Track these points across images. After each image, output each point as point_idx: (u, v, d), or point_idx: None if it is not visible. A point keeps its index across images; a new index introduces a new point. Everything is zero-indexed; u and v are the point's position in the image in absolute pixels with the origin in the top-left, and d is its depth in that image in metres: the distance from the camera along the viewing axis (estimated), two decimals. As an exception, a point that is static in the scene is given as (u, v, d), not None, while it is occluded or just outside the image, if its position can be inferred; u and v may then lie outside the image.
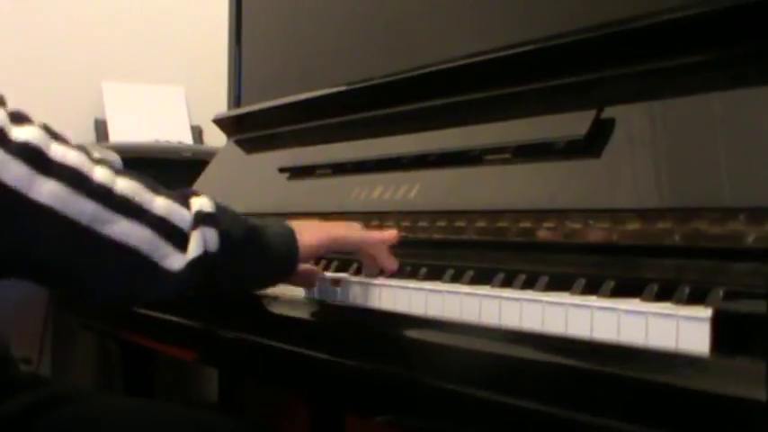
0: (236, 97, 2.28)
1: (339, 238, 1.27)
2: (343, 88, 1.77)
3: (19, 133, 1.00)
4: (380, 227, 1.42)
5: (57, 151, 1.02)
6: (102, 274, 1.07)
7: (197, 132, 2.99)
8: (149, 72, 3.03)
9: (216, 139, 2.58)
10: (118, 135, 2.86)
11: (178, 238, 1.09)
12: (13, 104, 1.05)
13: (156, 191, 1.09)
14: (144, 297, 1.22)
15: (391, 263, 1.29)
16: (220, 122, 2.28)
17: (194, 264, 1.09)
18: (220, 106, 2.34)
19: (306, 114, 1.92)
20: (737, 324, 0.76)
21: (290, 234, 1.21)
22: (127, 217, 1.05)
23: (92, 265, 1.05)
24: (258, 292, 1.31)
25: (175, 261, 1.08)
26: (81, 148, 1.06)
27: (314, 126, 1.90)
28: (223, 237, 1.12)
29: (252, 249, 1.17)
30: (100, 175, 1.04)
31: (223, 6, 2.31)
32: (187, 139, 2.93)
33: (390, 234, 1.31)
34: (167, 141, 2.82)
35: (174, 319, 1.55)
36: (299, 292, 1.33)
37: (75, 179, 1.02)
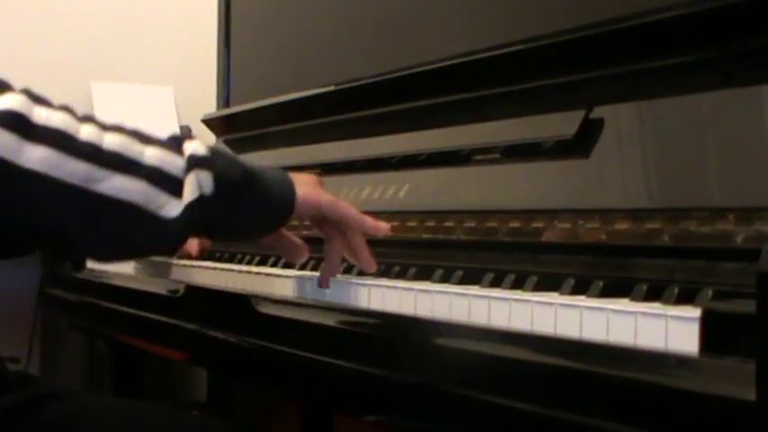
0: (224, 97, 2.28)
1: (337, 204, 1.24)
2: (331, 88, 1.77)
3: (0, 102, 1.00)
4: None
5: (40, 115, 1.02)
6: (102, 232, 1.07)
7: (186, 132, 2.99)
8: (138, 72, 3.02)
9: (205, 139, 2.57)
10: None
11: (173, 185, 1.08)
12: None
13: (146, 141, 1.09)
14: (147, 248, 1.20)
15: (368, 254, 1.27)
16: (209, 122, 2.28)
17: (191, 207, 1.08)
18: (209, 106, 2.34)
19: (294, 114, 1.92)
20: (726, 324, 0.76)
21: (289, 183, 1.20)
22: (119, 172, 1.04)
23: (90, 224, 1.05)
24: (246, 293, 1.31)
25: (173, 208, 1.07)
26: (65, 108, 1.05)
27: (302, 126, 1.90)
28: (218, 179, 1.10)
29: (248, 193, 1.15)
30: (87, 133, 1.04)
31: (212, 6, 2.31)
32: (176, 138, 2.93)
33: (385, 227, 1.28)
34: (156, 141, 2.81)
35: (163, 318, 1.55)
36: (288, 291, 1.33)
37: (62, 141, 1.02)
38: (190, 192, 1.08)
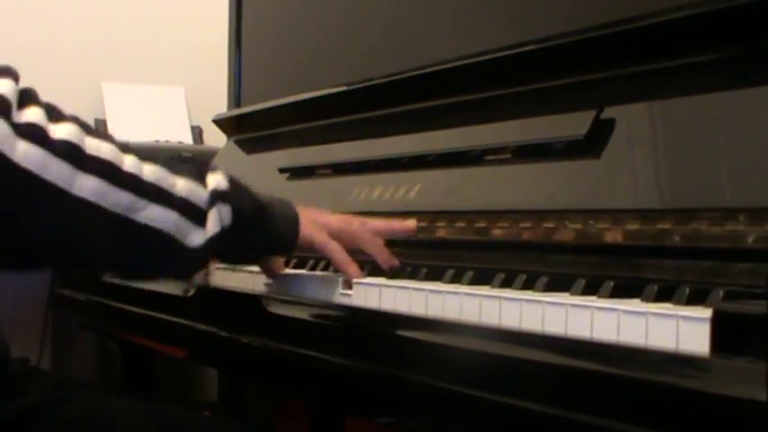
0: (236, 97, 2.28)
1: (326, 248, 1.29)
2: (342, 88, 1.77)
3: (57, 131, 1.05)
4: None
5: (91, 145, 1.08)
6: (137, 258, 1.15)
7: (197, 132, 2.99)
8: (149, 72, 3.03)
9: (216, 139, 2.58)
10: (118, 135, 2.81)
11: (198, 216, 1.16)
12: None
13: (176, 172, 1.16)
14: (170, 273, 1.33)
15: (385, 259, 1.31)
16: (220, 123, 2.28)
17: (212, 240, 1.16)
18: (220, 106, 2.34)
19: (306, 114, 1.92)
20: (737, 324, 0.76)
21: (294, 220, 1.28)
22: (156, 202, 1.12)
23: (129, 250, 1.12)
24: (256, 293, 1.32)
25: (196, 238, 1.15)
26: (109, 138, 1.12)
27: (314, 126, 1.90)
28: (235, 213, 1.19)
29: (258, 227, 1.24)
30: (129, 164, 1.11)
31: (223, 6, 2.32)
32: (187, 139, 2.93)
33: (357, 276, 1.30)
34: (167, 141, 2.82)
35: (173, 318, 1.55)
36: (298, 291, 1.33)
37: (110, 172, 1.08)
38: (213, 225, 1.17)
